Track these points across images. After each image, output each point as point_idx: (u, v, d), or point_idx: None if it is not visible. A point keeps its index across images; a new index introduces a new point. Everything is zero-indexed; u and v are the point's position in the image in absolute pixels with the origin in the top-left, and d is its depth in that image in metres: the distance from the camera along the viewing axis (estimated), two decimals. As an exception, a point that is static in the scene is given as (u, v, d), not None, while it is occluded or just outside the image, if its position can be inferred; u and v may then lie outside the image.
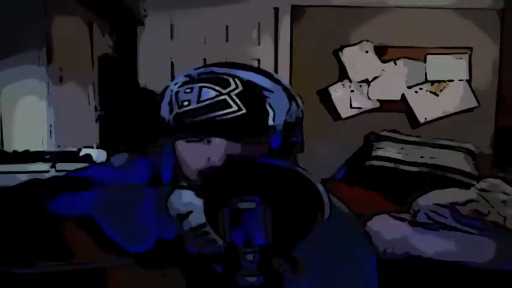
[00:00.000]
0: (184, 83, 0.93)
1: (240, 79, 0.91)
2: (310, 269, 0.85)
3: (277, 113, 0.91)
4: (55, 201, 0.91)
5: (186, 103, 0.90)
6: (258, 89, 0.91)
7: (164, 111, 0.94)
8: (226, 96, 0.89)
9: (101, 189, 0.96)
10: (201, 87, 0.90)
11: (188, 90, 0.91)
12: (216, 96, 0.89)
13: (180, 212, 0.83)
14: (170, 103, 0.92)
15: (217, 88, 0.89)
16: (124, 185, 1.01)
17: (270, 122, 0.90)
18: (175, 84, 0.94)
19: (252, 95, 0.90)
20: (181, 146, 0.93)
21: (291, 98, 0.95)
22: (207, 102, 0.89)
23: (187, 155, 0.93)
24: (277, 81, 0.95)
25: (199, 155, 0.91)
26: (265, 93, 0.91)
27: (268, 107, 0.90)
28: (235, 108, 0.88)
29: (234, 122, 0.88)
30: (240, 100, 0.89)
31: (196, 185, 0.87)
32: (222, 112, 0.88)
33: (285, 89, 0.95)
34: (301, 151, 0.98)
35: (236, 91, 0.89)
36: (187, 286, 0.92)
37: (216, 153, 0.89)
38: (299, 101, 0.97)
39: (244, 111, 0.88)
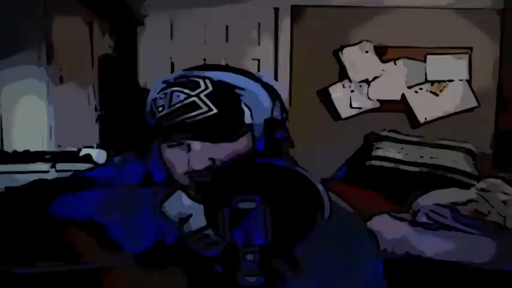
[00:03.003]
0: (161, 90, 0.93)
1: (211, 80, 0.91)
2: (314, 269, 0.85)
3: (254, 110, 0.91)
4: (57, 202, 0.91)
5: (160, 109, 0.91)
6: (230, 88, 0.91)
7: (148, 118, 0.95)
8: (195, 98, 0.89)
9: (102, 190, 0.96)
10: (172, 92, 0.91)
11: (162, 96, 0.92)
12: (185, 98, 0.89)
13: (180, 215, 0.83)
14: (151, 110, 0.94)
15: (186, 91, 0.90)
16: (124, 185, 1.01)
17: (247, 120, 0.91)
18: (155, 90, 0.95)
19: (223, 95, 0.90)
20: (165, 150, 0.94)
21: (273, 95, 0.95)
22: (178, 105, 0.89)
23: (171, 159, 0.93)
24: (256, 79, 0.95)
25: (180, 159, 0.91)
26: (239, 91, 0.91)
27: (243, 105, 0.91)
28: (205, 109, 0.88)
29: (206, 123, 0.88)
30: (210, 100, 0.89)
31: (188, 188, 0.87)
32: (192, 114, 0.88)
33: (266, 86, 0.95)
34: (292, 147, 0.98)
35: (206, 92, 0.89)
36: (187, 286, 0.92)
37: (195, 157, 0.90)
38: (283, 98, 0.97)
39: (215, 111, 0.88)
